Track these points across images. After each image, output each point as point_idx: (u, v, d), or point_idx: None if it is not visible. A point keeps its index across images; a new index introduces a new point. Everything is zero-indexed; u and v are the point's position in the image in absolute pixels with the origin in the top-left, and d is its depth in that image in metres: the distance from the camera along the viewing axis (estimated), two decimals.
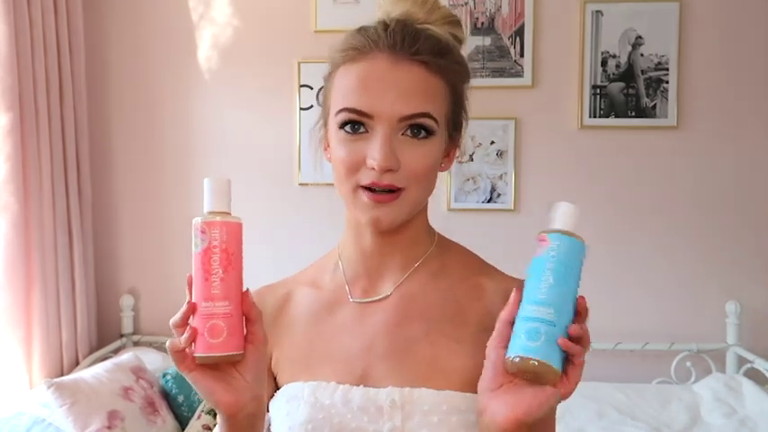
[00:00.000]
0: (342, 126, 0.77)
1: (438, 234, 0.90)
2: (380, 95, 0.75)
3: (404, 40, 0.77)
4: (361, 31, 0.80)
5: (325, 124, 0.84)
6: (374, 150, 0.75)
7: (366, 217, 0.78)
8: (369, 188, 0.77)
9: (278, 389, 0.85)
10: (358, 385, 0.79)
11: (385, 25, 0.79)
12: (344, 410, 0.77)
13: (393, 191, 0.77)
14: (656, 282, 2.61)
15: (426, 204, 0.86)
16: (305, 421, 0.78)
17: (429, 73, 0.77)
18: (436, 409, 0.76)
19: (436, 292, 0.84)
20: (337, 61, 0.80)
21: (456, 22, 0.82)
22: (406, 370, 0.79)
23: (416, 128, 0.76)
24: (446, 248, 0.89)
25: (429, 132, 0.77)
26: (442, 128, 0.79)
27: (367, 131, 0.76)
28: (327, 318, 0.85)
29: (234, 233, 0.71)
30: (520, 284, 0.73)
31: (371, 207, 0.77)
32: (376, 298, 0.84)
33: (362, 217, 0.79)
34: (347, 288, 0.86)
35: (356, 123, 0.77)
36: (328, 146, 0.83)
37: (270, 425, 0.85)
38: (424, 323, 0.82)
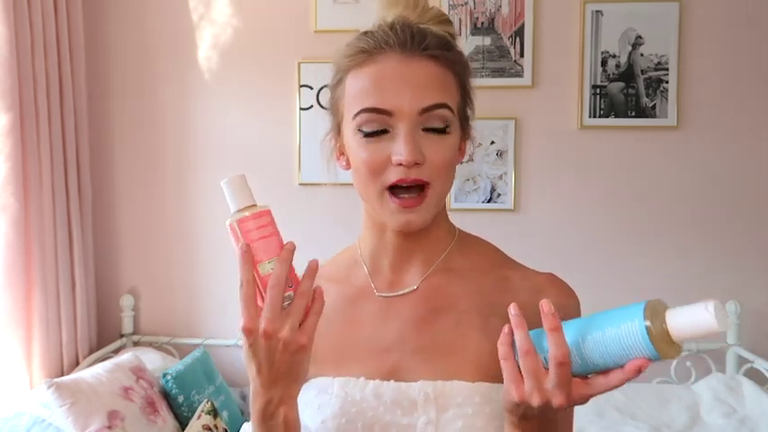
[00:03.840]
0: (361, 129, 0.78)
1: (458, 228, 0.90)
2: (397, 92, 0.76)
3: (413, 38, 0.78)
4: (367, 34, 0.80)
5: (338, 132, 0.84)
6: (399, 146, 0.75)
7: (395, 222, 0.79)
8: (395, 192, 0.77)
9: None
10: (388, 379, 0.79)
11: (390, 26, 0.80)
12: (377, 404, 0.78)
13: (420, 189, 0.77)
14: (656, 281, 2.61)
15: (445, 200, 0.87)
16: (338, 415, 0.78)
17: (440, 67, 0.79)
18: (469, 401, 0.76)
19: (463, 284, 0.84)
20: (345, 66, 0.81)
21: (447, 21, 0.84)
22: (436, 362, 0.80)
23: (436, 122, 0.77)
24: (467, 242, 0.89)
25: (447, 125, 0.78)
26: (456, 119, 0.80)
27: (387, 131, 0.77)
28: (353, 312, 0.85)
29: None
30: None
31: (400, 212, 0.78)
32: (402, 292, 0.85)
33: (392, 222, 0.80)
34: (371, 282, 0.86)
35: (376, 124, 0.77)
36: (341, 154, 0.84)
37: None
38: (453, 315, 0.82)
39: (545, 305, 0.68)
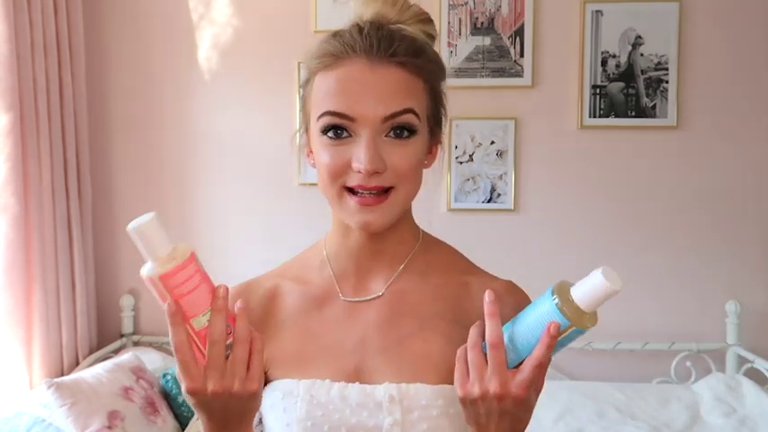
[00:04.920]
0: (324, 131, 0.78)
1: (423, 232, 0.90)
2: (361, 98, 0.76)
3: (380, 43, 0.77)
4: (336, 36, 0.80)
5: (306, 130, 0.84)
6: (360, 153, 0.75)
7: (354, 221, 0.79)
8: (354, 192, 0.77)
9: (266, 383, 0.85)
10: (352, 381, 0.80)
11: (359, 29, 0.79)
12: (342, 406, 0.78)
13: (383, 191, 0.77)
14: (656, 281, 2.61)
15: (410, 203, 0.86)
16: (303, 418, 0.78)
17: (407, 73, 0.78)
18: (434, 403, 0.78)
19: (427, 289, 0.85)
20: (314, 68, 0.81)
21: (428, 20, 0.84)
22: (399, 364, 0.80)
23: (399, 128, 0.77)
24: (431, 247, 0.90)
25: (412, 131, 0.78)
26: (423, 124, 0.80)
27: (350, 135, 0.77)
28: (317, 314, 0.85)
29: None
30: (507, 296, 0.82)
31: (359, 211, 0.78)
32: (368, 297, 0.85)
33: (350, 221, 0.79)
34: (336, 285, 0.86)
35: (339, 128, 0.77)
36: (311, 152, 0.84)
37: (261, 419, 0.85)
38: (417, 320, 0.83)
39: (488, 294, 0.73)
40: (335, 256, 0.88)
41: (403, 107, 0.76)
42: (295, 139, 0.87)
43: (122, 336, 2.72)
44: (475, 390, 0.72)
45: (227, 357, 0.70)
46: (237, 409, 0.72)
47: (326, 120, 0.77)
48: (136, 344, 2.71)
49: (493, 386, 0.71)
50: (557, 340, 0.70)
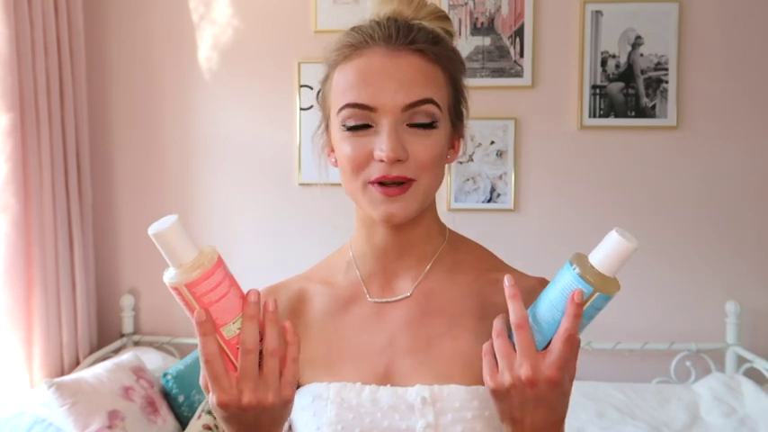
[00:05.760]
0: (345, 123, 0.77)
1: (449, 229, 0.89)
2: (381, 87, 0.75)
3: (399, 32, 0.77)
4: (355, 29, 0.80)
5: (327, 128, 0.83)
6: (381, 142, 0.74)
7: (378, 212, 0.77)
8: (379, 183, 0.76)
9: (297, 387, 0.84)
10: (383, 384, 0.78)
11: (377, 21, 0.79)
12: (374, 410, 0.77)
13: (403, 182, 0.76)
14: (655, 281, 2.61)
15: (435, 199, 0.85)
16: (334, 421, 0.77)
17: (427, 61, 0.77)
18: (468, 405, 0.76)
19: (455, 287, 0.84)
20: (333, 61, 0.80)
21: (444, 17, 0.83)
22: (430, 366, 0.79)
23: (421, 117, 0.76)
24: (458, 244, 0.88)
25: (434, 121, 0.77)
26: (445, 116, 0.79)
27: (371, 126, 0.76)
28: (345, 316, 0.84)
29: None
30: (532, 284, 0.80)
31: (383, 201, 0.76)
32: (396, 298, 0.84)
33: (374, 213, 0.78)
34: (363, 286, 0.85)
35: (359, 118, 0.76)
36: (332, 150, 0.82)
37: (290, 425, 0.84)
38: (446, 319, 0.81)
39: (507, 279, 0.72)
40: (362, 258, 0.86)
41: (423, 96, 0.75)
42: (317, 138, 0.85)
43: (122, 336, 2.72)
44: (506, 378, 0.69)
45: (259, 366, 0.68)
46: (270, 419, 0.71)
47: (347, 112, 0.76)
48: (136, 344, 2.71)
49: (524, 371, 0.68)
50: (582, 309, 0.68)
